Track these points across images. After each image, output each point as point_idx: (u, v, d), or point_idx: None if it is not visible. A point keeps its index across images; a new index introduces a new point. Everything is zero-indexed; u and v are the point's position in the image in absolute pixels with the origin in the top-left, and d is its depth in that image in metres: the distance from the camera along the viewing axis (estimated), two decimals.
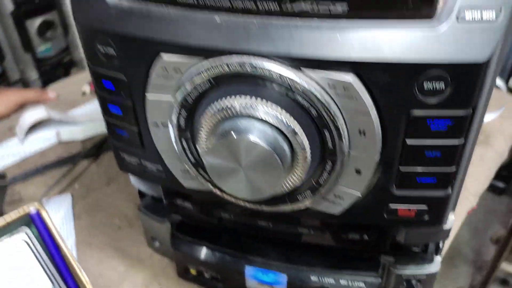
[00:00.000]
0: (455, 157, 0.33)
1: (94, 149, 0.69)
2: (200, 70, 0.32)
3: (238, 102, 0.31)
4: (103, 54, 0.35)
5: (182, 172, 0.40)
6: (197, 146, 0.35)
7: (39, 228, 0.43)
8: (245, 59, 0.30)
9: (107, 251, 0.56)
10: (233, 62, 0.31)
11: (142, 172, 0.43)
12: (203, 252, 0.49)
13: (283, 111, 0.31)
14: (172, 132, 0.36)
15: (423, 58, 0.28)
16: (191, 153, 0.37)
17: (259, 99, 0.31)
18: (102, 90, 0.38)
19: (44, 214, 0.44)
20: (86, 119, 0.75)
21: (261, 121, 0.31)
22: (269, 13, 0.30)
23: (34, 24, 1.44)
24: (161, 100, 0.35)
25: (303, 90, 0.30)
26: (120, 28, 0.34)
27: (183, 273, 0.52)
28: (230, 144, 0.32)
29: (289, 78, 0.30)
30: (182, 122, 0.35)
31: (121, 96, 0.37)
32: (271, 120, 0.31)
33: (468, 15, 0.28)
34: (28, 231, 0.43)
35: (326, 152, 0.33)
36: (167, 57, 0.33)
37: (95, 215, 0.61)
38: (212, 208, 0.46)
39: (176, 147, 0.37)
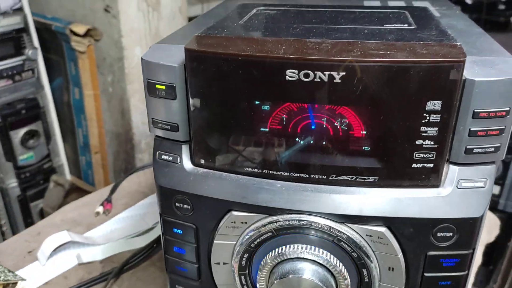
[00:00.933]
0: (461, 284, 0.42)
1: (116, 272, 0.74)
2: (264, 223, 0.41)
3: (295, 248, 0.40)
4: (178, 209, 0.44)
5: None
6: (257, 282, 0.43)
7: None
8: (303, 217, 0.40)
9: None
10: (292, 218, 0.40)
11: None
12: None
13: (331, 255, 0.40)
14: (233, 269, 0.44)
15: (435, 215, 0.39)
16: (247, 286, 0.45)
17: (312, 246, 0.40)
18: (170, 235, 0.46)
19: None
20: (104, 239, 0.81)
21: (313, 263, 0.40)
22: (319, 182, 0.41)
23: (18, 134, 1.50)
24: (226, 245, 0.44)
25: (346, 238, 0.40)
26: (197, 190, 0.43)
27: None
28: (289, 283, 0.40)
29: (337, 230, 0.40)
30: (244, 262, 0.43)
31: (188, 240, 0.46)
32: (321, 262, 0.40)
33: (465, 184, 0.39)
34: None
35: (363, 285, 0.42)
36: (236, 213, 0.42)
37: None
38: None
39: (235, 281, 0.45)
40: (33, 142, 1.56)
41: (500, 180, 1.55)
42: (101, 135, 1.68)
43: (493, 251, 1.67)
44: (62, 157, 1.76)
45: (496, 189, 1.56)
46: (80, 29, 1.46)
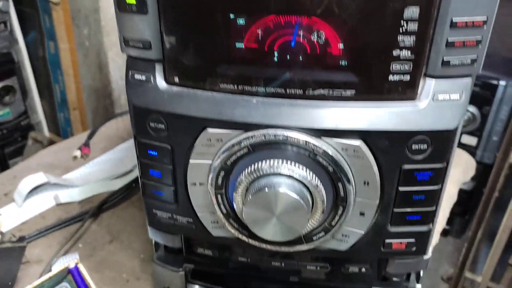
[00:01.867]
0: (435, 199, 0.43)
1: (95, 210, 0.74)
2: (240, 140, 0.41)
3: (270, 164, 0.40)
4: (153, 129, 0.43)
5: (212, 222, 0.47)
6: (234, 200, 0.43)
7: (77, 281, 0.48)
8: (278, 131, 0.40)
9: None
10: (269, 133, 0.40)
11: (172, 225, 0.50)
12: None
13: (307, 169, 0.40)
14: (210, 189, 0.44)
15: (411, 127, 0.39)
16: (224, 206, 0.45)
17: (288, 161, 0.40)
18: (145, 158, 0.46)
19: (82, 268, 0.49)
20: (82, 181, 0.80)
21: (289, 177, 0.40)
22: (295, 96, 0.40)
23: None
24: (202, 164, 0.43)
25: (322, 152, 0.40)
26: (172, 109, 0.42)
27: None
28: (265, 197, 0.40)
29: (312, 144, 0.40)
30: (220, 181, 0.43)
31: (164, 162, 0.45)
32: (297, 176, 0.40)
33: (441, 97, 0.39)
34: (67, 284, 0.48)
35: (338, 200, 0.42)
36: (212, 130, 0.41)
37: (103, 271, 0.66)
38: (231, 253, 0.53)
39: (212, 201, 0.44)
40: (9, 99, 1.52)
41: (477, 131, 1.58)
42: (78, 90, 1.64)
43: (469, 201, 1.71)
44: (39, 114, 1.72)
45: (474, 141, 1.59)
46: None
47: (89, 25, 1.47)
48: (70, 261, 0.48)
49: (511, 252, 1.49)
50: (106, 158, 0.87)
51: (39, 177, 0.76)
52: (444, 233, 1.78)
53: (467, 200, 1.72)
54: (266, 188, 0.40)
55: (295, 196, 0.39)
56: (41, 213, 0.75)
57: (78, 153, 0.88)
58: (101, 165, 0.86)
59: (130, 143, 0.92)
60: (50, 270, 0.59)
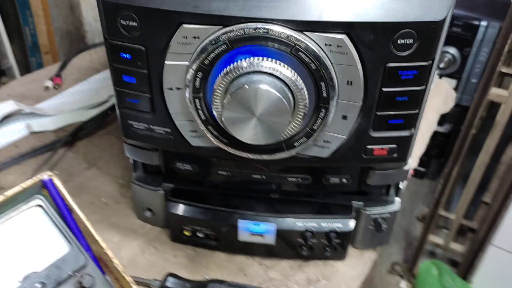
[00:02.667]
0: (418, 101, 0.42)
1: (69, 137, 0.71)
2: (218, 35, 0.38)
3: (250, 61, 0.38)
4: (124, 28, 0.41)
5: (190, 132, 0.46)
6: (212, 103, 0.41)
7: (52, 193, 0.47)
8: (259, 24, 0.38)
9: (99, 226, 0.60)
10: (248, 27, 0.38)
11: (149, 137, 0.48)
12: (199, 212, 0.55)
13: (288, 67, 0.39)
14: (187, 93, 0.42)
15: (397, 18, 0.37)
16: (202, 111, 0.43)
17: (268, 58, 0.38)
18: (118, 62, 0.43)
19: (56, 180, 0.47)
20: (55, 111, 0.77)
21: (269, 75, 0.38)
22: None
23: None
24: (178, 66, 0.41)
25: (305, 48, 0.38)
26: (144, 2, 0.39)
27: (177, 237, 0.57)
28: (244, 95, 0.38)
29: (295, 38, 0.38)
30: (198, 83, 0.41)
31: (138, 65, 0.43)
32: (278, 74, 0.38)
33: None
34: (42, 197, 0.47)
35: (320, 101, 0.41)
36: (188, 26, 0.39)
37: (81, 196, 0.64)
38: (211, 166, 0.52)
39: (190, 107, 0.43)
40: None
41: (457, 74, 1.58)
42: (50, 33, 1.57)
43: (446, 144, 1.74)
44: (10, 59, 1.65)
45: (453, 83, 1.59)
46: None
47: None
48: (43, 174, 0.47)
49: (484, 190, 1.53)
50: (80, 88, 0.84)
51: (10, 105, 0.73)
52: (420, 175, 1.82)
53: (443, 143, 1.75)
54: (246, 85, 0.38)
55: (276, 93, 0.38)
56: (14, 141, 0.73)
57: (49, 83, 0.84)
58: (75, 95, 0.83)
59: (106, 73, 0.88)
60: None
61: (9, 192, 0.44)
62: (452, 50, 1.55)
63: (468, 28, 1.50)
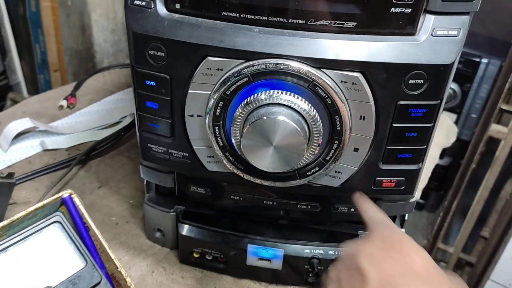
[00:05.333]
0: (426, 137, 0.44)
1: (83, 156, 0.73)
2: (241, 68, 0.41)
3: (270, 94, 0.41)
4: (152, 57, 0.43)
5: (208, 157, 0.48)
6: (231, 131, 0.43)
7: (71, 210, 0.48)
8: (280, 60, 0.40)
9: (110, 244, 0.60)
10: (270, 62, 0.40)
11: (167, 160, 0.50)
12: (209, 235, 0.56)
13: (305, 100, 0.41)
14: (207, 120, 0.44)
15: (409, 60, 0.40)
16: (221, 138, 0.45)
17: (287, 92, 0.41)
18: (142, 89, 0.46)
19: (75, 198, 0.49)
20: (69, 130, 0.79)
21: (287, 107, 0.41)
22: (297, 27, 0.40)
23: None
24: (201, 94, 0.44)
25: (322, 83, 0.41)
26: (173, 36, 0.42)
27: (185, 258, 0.59)
28: (263, 125, 0.40)
29: (312, 74, 0.40)
30: (218, 112, 0.43)
31: (162, 92, 0.45)
32: (295, 107, 0.41)
33: (439, 32, 0.40)
34: (60, 214, 0.48)
35: (334, 134, 0.43)
36: (212, 59, 0.41)
37: (92, 214, 0.65)
38: (224, 191, 0.54)
39: (209, 133, 0.45)
40: None
41: (457, 108, 1.61)
42: (60, 51, 1.60)
43: (445, 177, 1.76)
44: (19, 75, 1.68)
45: (453, 118, 1.62)
46: None
47: None
48: (63, 192, 0.48)
49: (483, 225, 1.54)
50: (93, 109, 0.87)
51: (26, 122, 0.75)
52: (419, 207, 1.83)
53: (443, 175, 1.76)
54: (265, 117, 0.40)
55: (293, 124, 0.40)
56: (27, 157, 0.74)
57: (64, 102, 0.86)
58: (88, 115, 0.85)
59: (119, 95, 0.91)
60: None
61: (30, 208, 0.46)
62: (453, 85, 1.59)
63: (469, 64, 1.53)
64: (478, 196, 1.33)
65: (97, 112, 0.86)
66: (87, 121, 0.83)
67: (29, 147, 0.76)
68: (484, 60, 1.51)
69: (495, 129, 1.21)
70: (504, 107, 1.18)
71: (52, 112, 0.85)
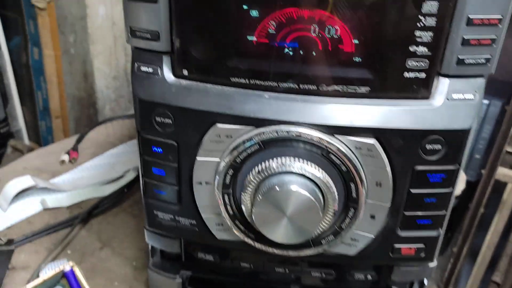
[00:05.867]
0: (446, 202, 0.42)
1: (84, 215, 0.71)
2: (251, 136, 0.39)
3: (281, 162, 0.39)
4: (159, 124, 0.42)
5: (217, 225, 0.46)
6: (241, 200, 0.41)
7: (71, 284, 0.46)
8: (291, 127, 0.39)
9: None
10: (281, 129, 0.39)
11: (173, 228, 0.48)
12: None
13: (319, 168, 0.39)
14: (216, 188, 0.42)
15: (426, 126, 0.38)
16: (231, 206, 0.43)
17: (300, 158, 0.39)
18: (149, 155, 0.44)
19: (78, 272, 0.46)
20: (70, 186, 0.77)
21: (300, 175, 0.39)
22: (308, 92, 0.39)
23: None
24: (209, 162, 0.42)
25: (336, 150, 0.39)
26: (180, 102, 0.40)
27: None
28: (276, 196, 0.39)
29: (326, 141, 0.39)
30: (228, 180, 0.42)
31: (169, 159, 0.43)
32: (309, 175, 0.39)
33: (455, 96, 0.39)
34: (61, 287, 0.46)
35: (349, 201, 0.41)
36: (221, 126, 0.40)
37: (93, 278, 0.63)
38: (233, 258, 0.51)
39: (218, 201, 0.43)
40: None
41: None
42: (62, 98, 1.61)
43: (451, 219, 1.73)
44: (20, 122, 1.68)
45: None
46: None
47: (75, 32, 1.45)
48: (64, 264, 0.46)
49: (493, 269, 1.50)
50: (95, 163, 0.85)
51: (26, 180, 0.73)
52: None
53: (450, 218, 1.73)
54: (277, 187, 0.38)
55: (307, 194, 0.38)
56: (27, 217, 0.72)
57: (66, 157, 0.85)
58: (91, 170, 0.83)
59: (121, 148, 0.89)
60: (37, 277, 0.56)
61: (30, 285, 0.43)
62: None
63: None
64: (488, 241, 1.29)
65: (99, 166, 0.84)
66: (89, 176, 0.81)
67: (30, 206, 0.73)
68: (485, 101, 1.50)
69: (502, 172, 1.19)
70: (510, 149, 1.17)
71: (54, 168, 0.83)
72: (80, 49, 1.47)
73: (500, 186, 1.26)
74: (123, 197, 0.77)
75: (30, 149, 1.66)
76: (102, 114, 1.56)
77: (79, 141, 0.91)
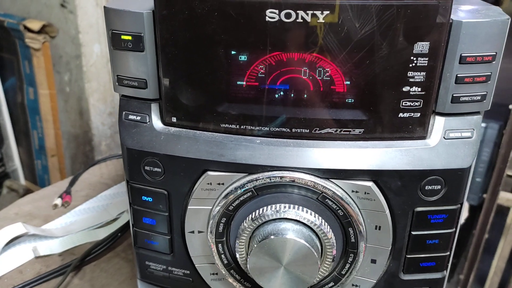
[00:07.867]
0: (449, 243, 0.41)
1: (77, 262, 0.69)
2: (244, 183, 0.38)
3: (276, 209, 0.37)
4: (148, 173, 0.40)
5: (211, 274, 0.44)
6: (236, 248, 0.39)
7: None
8: (285, 173, 0.37)
9: None
10: (274, 175, 0.37)
11: (166, 279, 0.46)
12: None
13: (315, 214, 0.38)
14: (209, 238, 0.41)
15: (424, 166, 0.37)
16: (225, 255, 0.41)
17: (295, 205, 0.38)
18: (138, 205, 0.43)
19: None
20: (63, 231, 0.75)
21: (296, 222, 0.38)
22: (301, 136, 0.38)
23: None
24: (201, 210, 0.40)
25: (332, 195, 0.37)
26: (169, 151, 0.39)
27: None
28: (271, 245, 0.37)
29: (321, 186, 0.37)
30: (221, 228, 0.40)
31: (159, 208, 0.42)
32: (305, 221, 0.37)
33: (452, 135, 0.37)
34: None
35: (348, 246, 0.39)
36: (213, 173, 0.39)
37: None
38: None
39: (212, 250, 0.41)
40: None
41: None
42: (57, 137, 1.60)
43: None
44: (16, 161, 1.67)
45: None
46: (35, 25, 1.39)
47: (70, 71, 1.46)
48: None
49: None
50: (88, 206, 0.83)
51: (18, 228, 0.71)
52: None
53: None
54: (272, 235, 0.37)
55: (304, 242, 0.36)
56: (18, 267, 0.70)
57: (58, 201, 0.83)
58: (84, 214, 0.81)
59: (115, 189, 0.88)
60: None
61: None
62: None
63: None
64: (495, 267, 1.27)
65: (92, 209, 0.82)
66: (82, 220, 0.79)
67: (21, 254, 0.71)
68: (483, 124, 1.50)
69: (504, 197, 1.18)
70: (511, 173, 1.16)
71: (46, 212, 0.81)
72: (75, 87, 1.47)
73: (503, 209, 1.25)
74: (116, 241, 0.74)
75: (26, 189, 1.64)
76: (98, 150, 1.55)
77: (72, 183, 0.89)
